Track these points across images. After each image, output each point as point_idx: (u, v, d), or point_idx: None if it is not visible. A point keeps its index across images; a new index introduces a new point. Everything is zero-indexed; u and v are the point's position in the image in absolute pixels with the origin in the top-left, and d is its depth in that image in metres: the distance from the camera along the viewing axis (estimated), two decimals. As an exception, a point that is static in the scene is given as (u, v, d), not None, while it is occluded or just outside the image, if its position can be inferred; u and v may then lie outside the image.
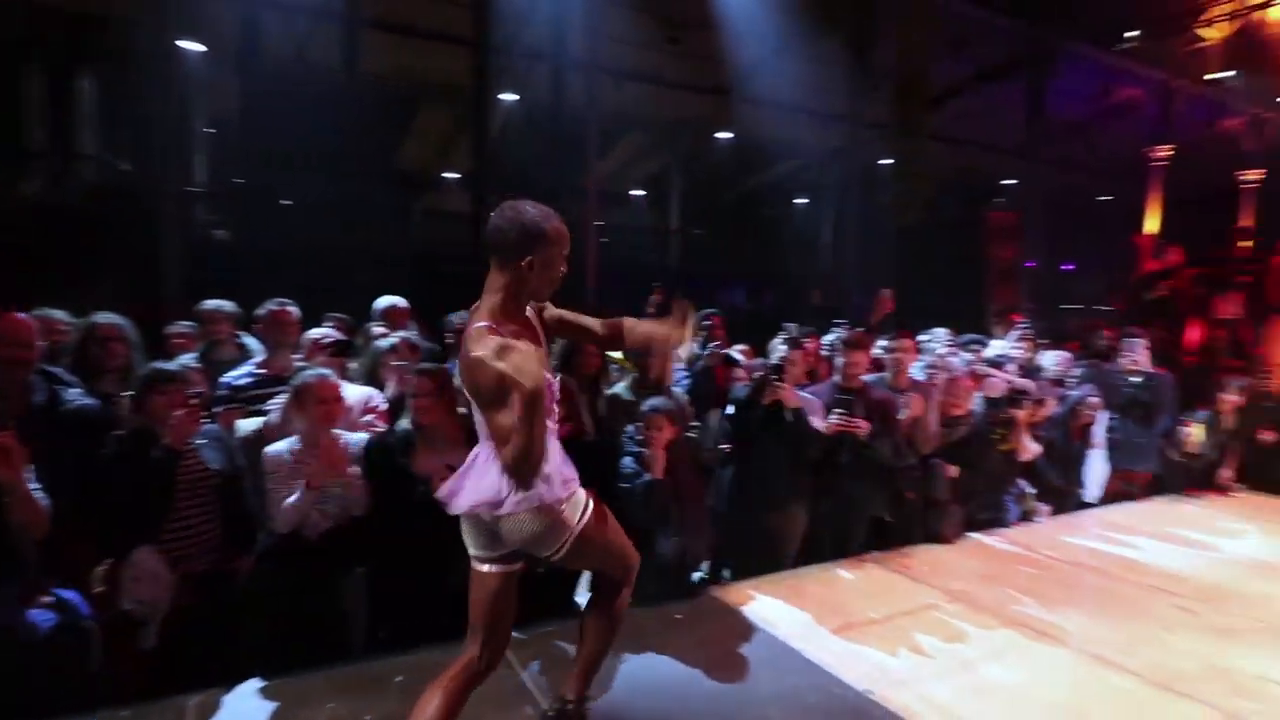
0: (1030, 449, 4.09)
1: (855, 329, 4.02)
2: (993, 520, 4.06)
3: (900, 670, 2.48)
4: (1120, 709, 2.29)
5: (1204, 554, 3.78)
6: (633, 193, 21.01)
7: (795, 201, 22.25)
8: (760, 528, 3.36)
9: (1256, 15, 16.95)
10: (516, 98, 13.88)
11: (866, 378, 3.64)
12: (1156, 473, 4.83)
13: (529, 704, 2.22)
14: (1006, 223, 7.20)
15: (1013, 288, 7.49)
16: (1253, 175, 20.32)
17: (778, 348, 3.99)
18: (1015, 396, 4.04)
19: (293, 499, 2.45)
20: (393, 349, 3.35)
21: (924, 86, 13.38)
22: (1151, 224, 18.53)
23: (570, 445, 1.84)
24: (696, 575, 3.28)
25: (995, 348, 4.89)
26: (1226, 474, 4.93)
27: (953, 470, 3.85)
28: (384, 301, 4.12)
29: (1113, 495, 4.70)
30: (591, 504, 1.78)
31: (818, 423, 3.32)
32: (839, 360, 3.57)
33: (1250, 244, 6.42)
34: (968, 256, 7.57)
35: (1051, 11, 16.00)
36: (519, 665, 2.42)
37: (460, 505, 1.69)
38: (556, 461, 1.71)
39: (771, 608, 2.92)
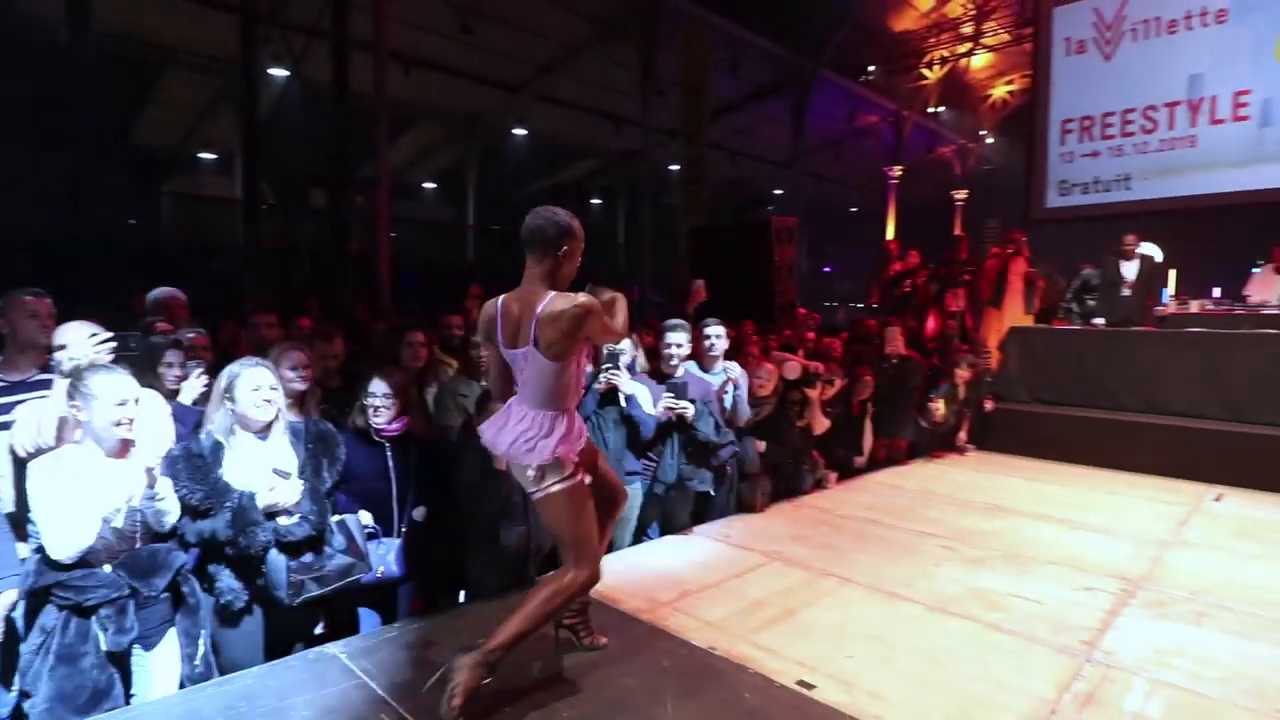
0: (822, 422, 4.63)
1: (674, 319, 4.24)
2: (793, 489, 4.54)
3: (736, 625, 2.69)
4: (912, 631, 2.69)
5: (953, 503, 4.53)
6: (425, 185, 20.12)
7: (592, 201, 22.80)
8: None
9: (962, 62, 20.50)
10: (288, 74, 12.65)
11: (689, 364, 3.88)
12: (912, 439, 5.69)
13: (384, 713, 2.08)
14: (788, 225, 8.08)
15: (793, 284, 8.42)
16: (960, 194, 24.59)
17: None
18: (809, 376, 4.55)
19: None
20: (182, 345, 2.93)
21: (704, 98, 14.47)
22: (889, 231, 21.65)
23: (406, 440, 1.80)
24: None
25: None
26: (962, 437, 5.95)
27: (761, 445, 4.24)
28: (160, 293, 3.58)
29: (881, 460, 5.48)
30: (569, 485, 2.10)
31: (651, 408, 3.48)
32: (665, 348, 3.76)
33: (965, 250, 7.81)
34: (751, 255, 8.33)
35: (807, 41, 18.05)
36: (369, 675, 2.27)
37: (500, 447, 2.12)
38: (564, 431, 2.07)
39: (614, 584, 3.02)
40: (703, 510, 3.96)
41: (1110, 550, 3.65)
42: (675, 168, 16.80)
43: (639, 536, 3.65)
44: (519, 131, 17.76)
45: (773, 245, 7.62)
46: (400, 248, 13.72)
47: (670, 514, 3.76)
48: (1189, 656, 2.52)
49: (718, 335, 3.99)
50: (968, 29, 18.86)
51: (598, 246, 19.43)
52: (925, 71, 20.45)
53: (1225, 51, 8.58)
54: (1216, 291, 7.65)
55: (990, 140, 23.06)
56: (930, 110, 21.62)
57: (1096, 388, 6.23)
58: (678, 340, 3.77)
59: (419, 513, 2.87)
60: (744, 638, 2.61)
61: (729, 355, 4.24)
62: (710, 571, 3.23)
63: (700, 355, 4.06)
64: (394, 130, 12.74)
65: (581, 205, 20.92)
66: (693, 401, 3.61)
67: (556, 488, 2.09)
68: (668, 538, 3.67)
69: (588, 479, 2.19)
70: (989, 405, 6.12)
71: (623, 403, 3.40)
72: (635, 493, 3.55)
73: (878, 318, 7.11)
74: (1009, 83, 21.62)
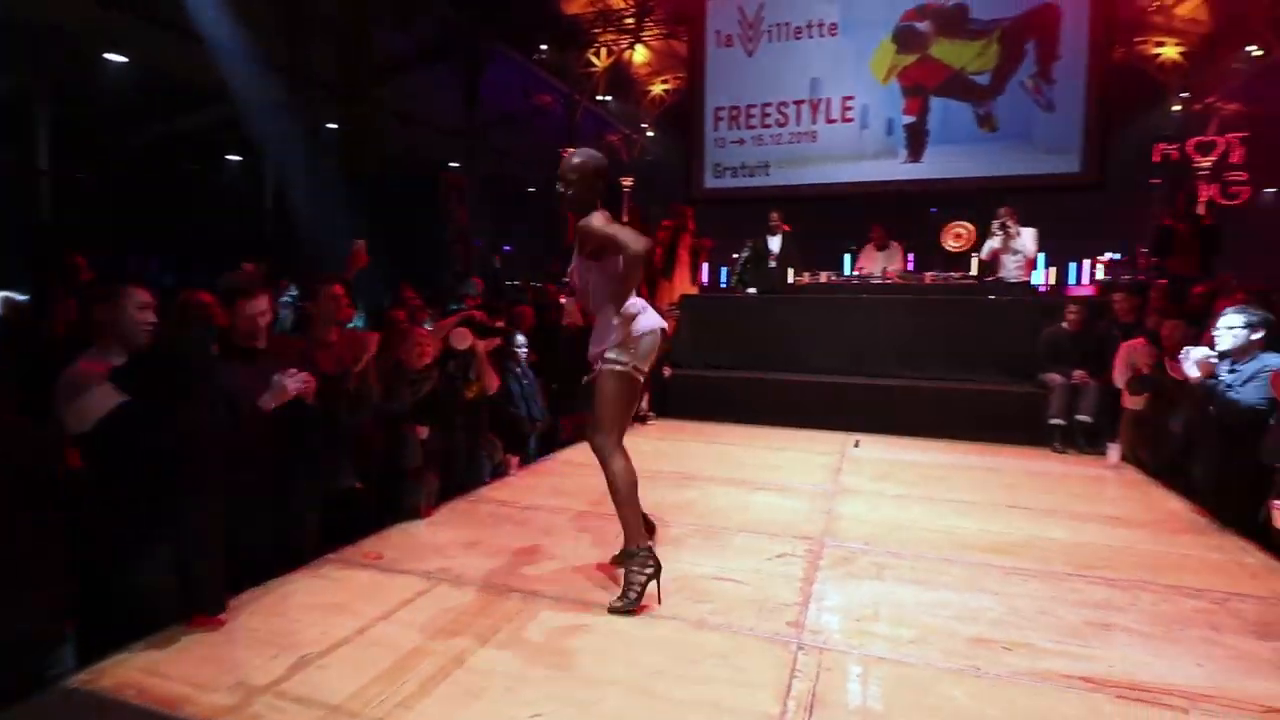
0: (494, 379, 3.94)
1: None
2: (468, 483, 3.79)
3: (374, 702, 1.86)
4: (615, 655, 2.15)
5: (644, 475, 4.19)
6: (-41, 114, 14.69)
7: (228, 158, 19.01)
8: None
9: (626, 55, 21.44)
10: None
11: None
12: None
13: None
14: (458, 184, 7.20)
15: (467, 249, 7.60)
16: (627, 181, 25.95)
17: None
18: (483, 327, 3.82)
19: None
20: None
21: (367, 51, 12.75)
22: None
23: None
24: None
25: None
26: (644, 405, 5.80)
27: (423, 431, 3.40)
28: None
29: (566, 439, 5.01)
30: (629, 370, 2.55)
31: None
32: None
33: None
34: (421, 222, 7.32)
35: (479, 7, 17.16)
36: None
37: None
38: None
39: (185, 670, 1.95)
40: (351, 522, 2.99)
41: (789, 509, 3.61)
42: (334, 126, 14.67)
43: (251, 570, 2.55)
44: (114, 58, 13.81)
45: (445, 203, 6.71)
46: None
47: (291, 536, 2.73)
48: (884, 619, 2.39)
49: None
50: (630, 22, 19.78)
51: (235, 211, 16.16)
52: (593, 59, 21.02)
53: (836, 61, 9.90)
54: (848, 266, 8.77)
55: (650, 133, 24.77)
56: (599, 98, 22.38)
57: (755, 351, 6.60)
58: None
59: None
60: (405, 711, 1.79)
61: (376, 325, 3.34)
62: (345, 618, 2.31)
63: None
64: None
65: (212, 161, 17.26)
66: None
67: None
68: (285, 578, 2.63)
69: None
70: (667, 372, 6.07)
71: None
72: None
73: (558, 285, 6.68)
74: (665, 81, 23.38)
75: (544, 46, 19.79)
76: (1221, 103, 16.12)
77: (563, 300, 5.06)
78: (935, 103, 9.50)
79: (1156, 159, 13.72)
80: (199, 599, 2.21)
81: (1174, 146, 15.13)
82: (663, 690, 1.94)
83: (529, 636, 2.23)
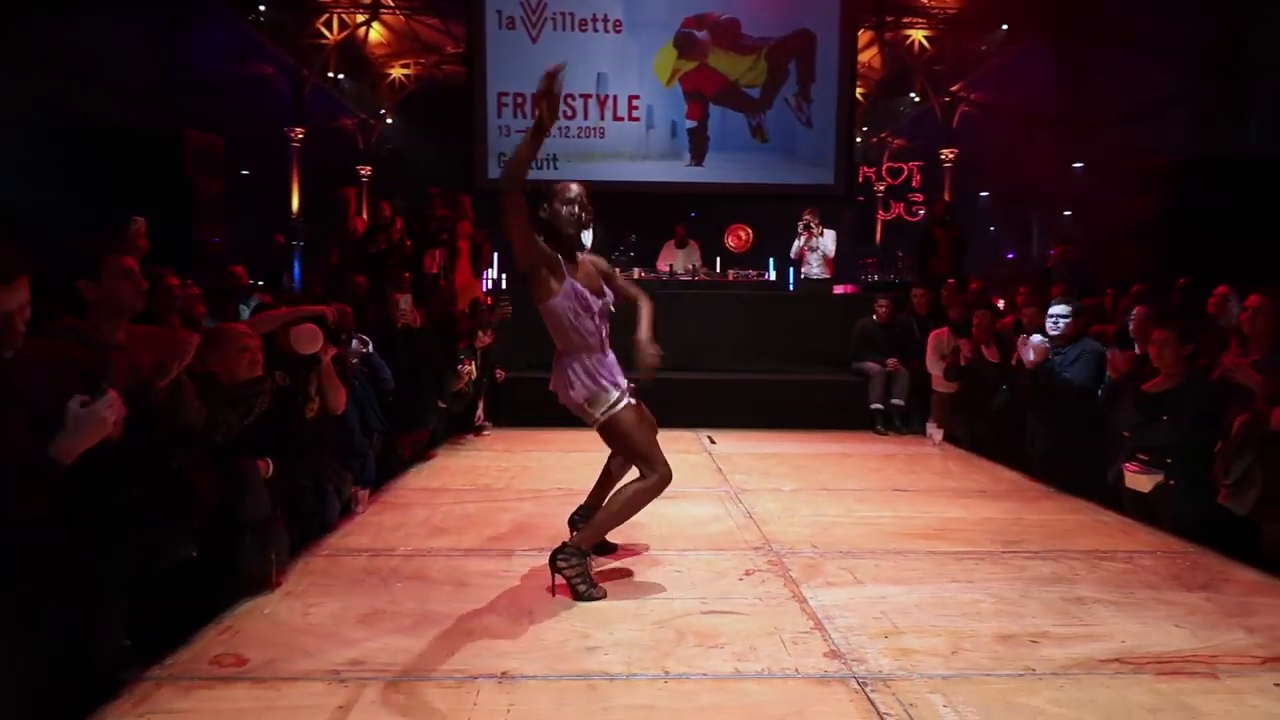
0: (341, 394, 3.04)
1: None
2: (312, 529, 2.86)
3: None
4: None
5: (523, 496, 3.60)
6: None
7: None
8: None
9: (360, 33, 19.41)
10: None
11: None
12: (431, 427, 4.52)
13: None
14: (211, 146, 5.63)
15: (217, 226, 6.03)
16: (365, 170, 23.63)
17: None
18: (329, 329, 2.90)
19: None
20: None
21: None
22: (294, 201, 19.27)
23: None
24: None
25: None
26: (480, 415, 5.08)
27: (266, 467, 2.45)
28: None
29: (407, 459, 4.15)
30: (621, 406, 2.41)
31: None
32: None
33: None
34: (157, 183, 5.59)
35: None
36: None
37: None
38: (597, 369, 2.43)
39: None
40: (164, 611, 1.99)
41: (710, 517, 3.32)
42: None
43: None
44: None
45: (189, 168, 5.14)
46: None
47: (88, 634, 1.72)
48: (907, 632, 2.20)
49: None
50: (366, -1, 17.89)
51: None
52: (324, 30, 18.66)
53: (621, 58, 9.88)
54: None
55: (390, 121, 22.78)
56: (331, 76, 19.97)
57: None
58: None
59: None
60: None
61: (145, 318, 2.37)
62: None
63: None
64: None
65: None
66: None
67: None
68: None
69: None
70: (500, 376, 5.40)
71: None
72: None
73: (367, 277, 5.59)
74: (405, 66, 21.67)
75: (262, 7, 17.11)
76: (891, 138, 19.54)
77: (395, 297, 4.17)
78: (714, 110, 9.93)
79: (860, 179, 16.18)
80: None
81: (871, 170, 18.01)
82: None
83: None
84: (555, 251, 2.36)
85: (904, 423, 5.54)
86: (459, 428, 4.97)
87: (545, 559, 2.73)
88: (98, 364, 1.79)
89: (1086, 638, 2.16)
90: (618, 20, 9.77)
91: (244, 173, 23.50)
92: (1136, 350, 3.68)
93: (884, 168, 17.91)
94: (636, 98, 9.89)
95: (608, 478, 2.82)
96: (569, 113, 9.90)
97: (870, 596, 2.44)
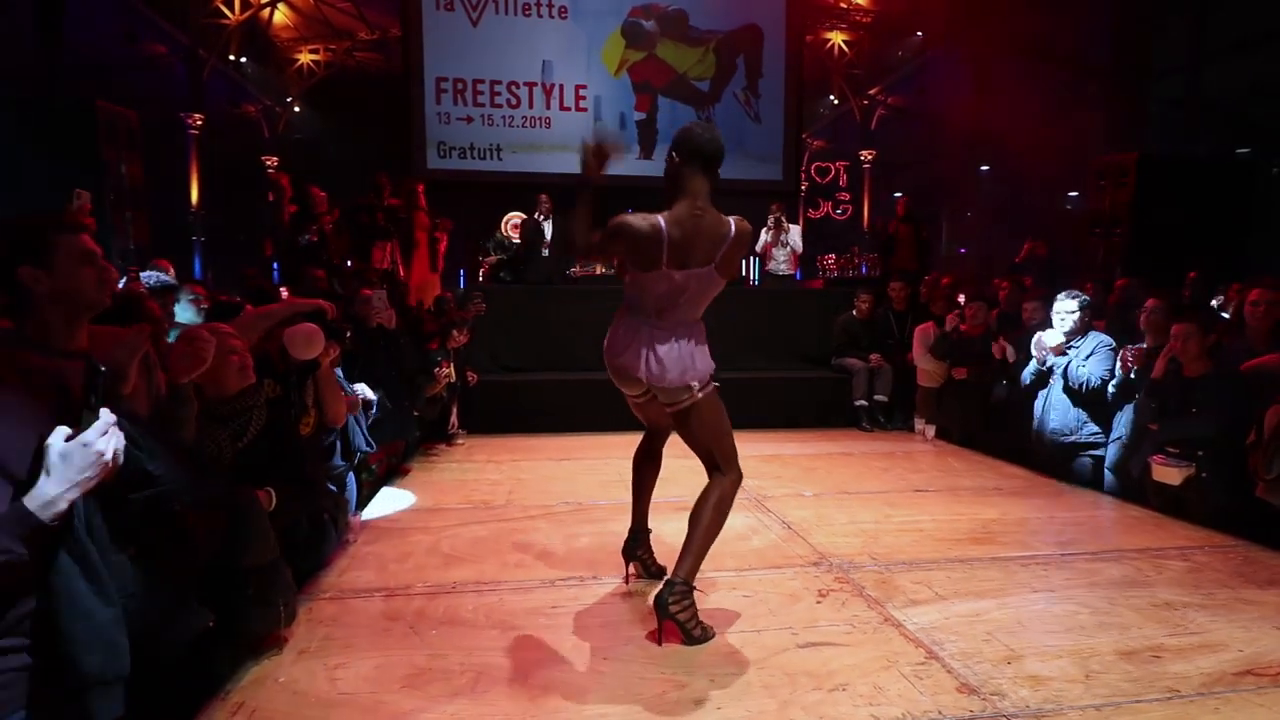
0: (341, 406, 2.60)
1: None
2: (311, 565, 2.41)
3: None
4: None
5: (537, 512, 3.23)
6: None
7: None
8: None
9: (264, 14, 18.05)
10: None
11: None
12: (409, 436, 4.06)
13: None
14: (125, 119, 4.84)
15: (145, 212, 5.25)
16: (271, 160, 22.00)
17: None
18: (331, 326, 2.46)
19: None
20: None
21: None
22: (193, 193, 17.76)
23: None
24: None
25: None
26: (454, 422, 4.64)
27: (268, 499, 2.01)
28: None
29: (383, 475, 3.68)
30: (701, 396, 2.12)
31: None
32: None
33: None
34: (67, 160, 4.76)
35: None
36: None
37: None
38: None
39: None
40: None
41: (749, 529, 3.05)
42: None
43: None
44: None
45: (99, 145, 4.36)
46: None
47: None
48: (1027, 656, 2.00)
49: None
50: (268, -30, 16.62)
51: None
52: (224, 9, 17.23)
53: (567, 46, 9.48)
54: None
55: (297, 109, 21.33)
56: (232, 58, 18.48)
57: (559, 349, 5.82)
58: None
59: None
60: None
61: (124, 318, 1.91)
62: None
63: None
64: None
65: None
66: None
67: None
68: None
69: None
70: (473, 379, 4.95)
71: None
72: None
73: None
74: (314, 51, 20.36)
75: (153, -19, 15.63)
76: (810, 139, 20.00)
77: (367, 294, 3.68)
78: (663, 102, 9.69)
79: (792, 176, 16.50)
80: None
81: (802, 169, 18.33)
82: None
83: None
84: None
85: (887, 418, 5.47)
86: (429, 436, 4.51)
87: (591, 588, 2.43)
88: (79, 375, 1.34)
89: (1202, 648, 2.04)
90: (563, 7, 9.38)
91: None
92: (1147, 343, 3.68)
93: (811, 167, 18.24)
94: (584, 87, 9.53)
95: (642, 490, 2.51)
96: (513, 101, 9.45)
97: (964, 614, 2.24)
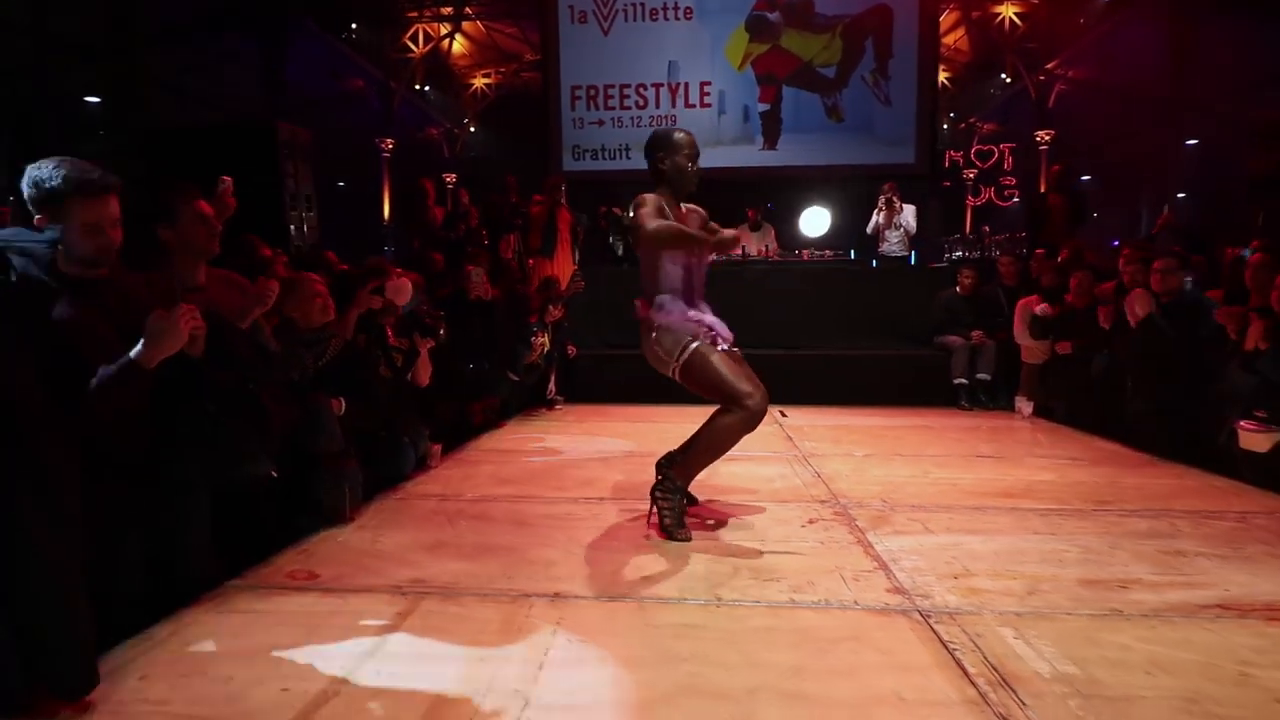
0: (428, 368, 3.18)
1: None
2: (390, 474, 2.98)
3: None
4: (712, 640, 1.60)
5: (593, 459, 3.63)
6: None
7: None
8: None
9: (444, 45, 20.08)
10: None
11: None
12: (503, 396, 4.63)
13: None
14: (300, 138, 5.97)
15: (315, 215, 6.39)
16: (450, 178, 24.42)
17: None
18: (426, 324, 3.05)
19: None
20: None
21: (136, 9, 10.62)
22: (386, 209, 20.21)
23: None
24: None
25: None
26: (552, 389, 5.17)
27: (339, 405, 2.58)
28: None
29: (478, 425, 4.26)
30: (694, 349, 2.39)
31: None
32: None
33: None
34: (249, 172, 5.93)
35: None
36: None
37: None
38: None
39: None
40: (244, 532, 2.11)
41: (777, 475, 3.23)
42: (96, 100, 12.11)
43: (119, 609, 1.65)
44: None
45: (280, 161, 5.49)
46: None
47: (177, 552, 1.84)
48: (979, 574, 2.07)
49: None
50: (447, 10, 18.55)
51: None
52: (410, 44, 19.49)
53: (692, 45, 9.85)
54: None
55: (473, 129, 23.50)
56: (418, 88, 20.84)
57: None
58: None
59: None
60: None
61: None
62: (306, 665, 1.54)
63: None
64: None
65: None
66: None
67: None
68: (178, 621, 1.75)
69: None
70: (572, 351, 5.47)
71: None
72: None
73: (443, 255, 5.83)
74: (486, 75, 22.34)
75: (354, 25, 18.07)
76: (980, 122, 18.59)
77: (469, 269, 4.30)
78: (787, 92, 9.76)
79: (946, 164, 15.51)
80: (52, 678, 1.33)
81: (959, 154, 17.21)
82: (818, 691, 1.44)
83: (598, 655, 1.61)
84: (670, 195, 2.51)
85: (990, 398, 5.25)
86: (531, 401, 5.06)
87: (607, 506, 2.77)
88: (174, 287, 1.93)
89: (1184, 585, 1.98)
90: (689, 8, 9.76)
91: (339, 184, 24.93)
92: (1253, 301, 3.34)
93: (973, 151, 17.11)
94: (708, 84, 9.84)
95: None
96: (640, 102, 9.98)
97: (941, 544, 2.32)
